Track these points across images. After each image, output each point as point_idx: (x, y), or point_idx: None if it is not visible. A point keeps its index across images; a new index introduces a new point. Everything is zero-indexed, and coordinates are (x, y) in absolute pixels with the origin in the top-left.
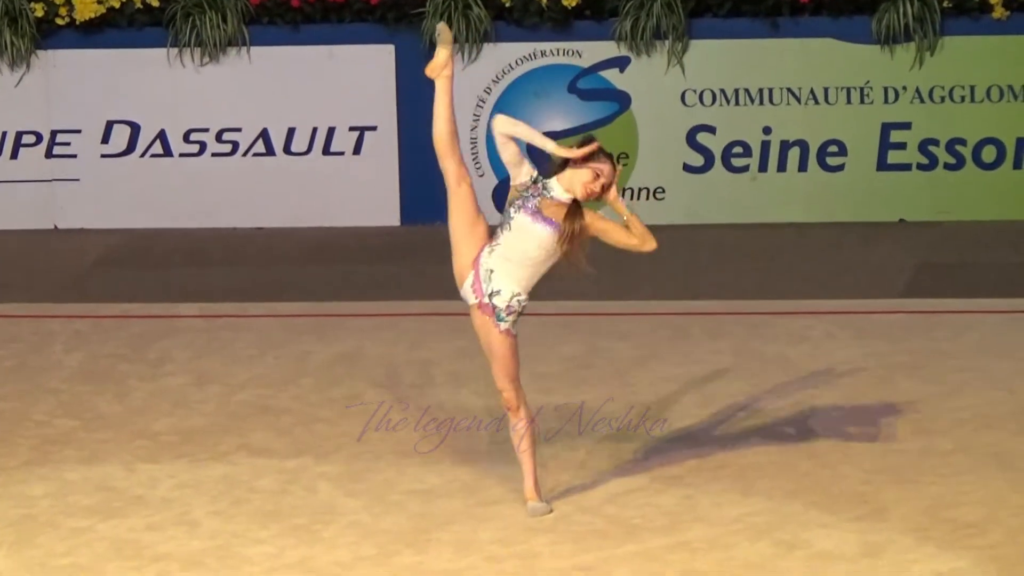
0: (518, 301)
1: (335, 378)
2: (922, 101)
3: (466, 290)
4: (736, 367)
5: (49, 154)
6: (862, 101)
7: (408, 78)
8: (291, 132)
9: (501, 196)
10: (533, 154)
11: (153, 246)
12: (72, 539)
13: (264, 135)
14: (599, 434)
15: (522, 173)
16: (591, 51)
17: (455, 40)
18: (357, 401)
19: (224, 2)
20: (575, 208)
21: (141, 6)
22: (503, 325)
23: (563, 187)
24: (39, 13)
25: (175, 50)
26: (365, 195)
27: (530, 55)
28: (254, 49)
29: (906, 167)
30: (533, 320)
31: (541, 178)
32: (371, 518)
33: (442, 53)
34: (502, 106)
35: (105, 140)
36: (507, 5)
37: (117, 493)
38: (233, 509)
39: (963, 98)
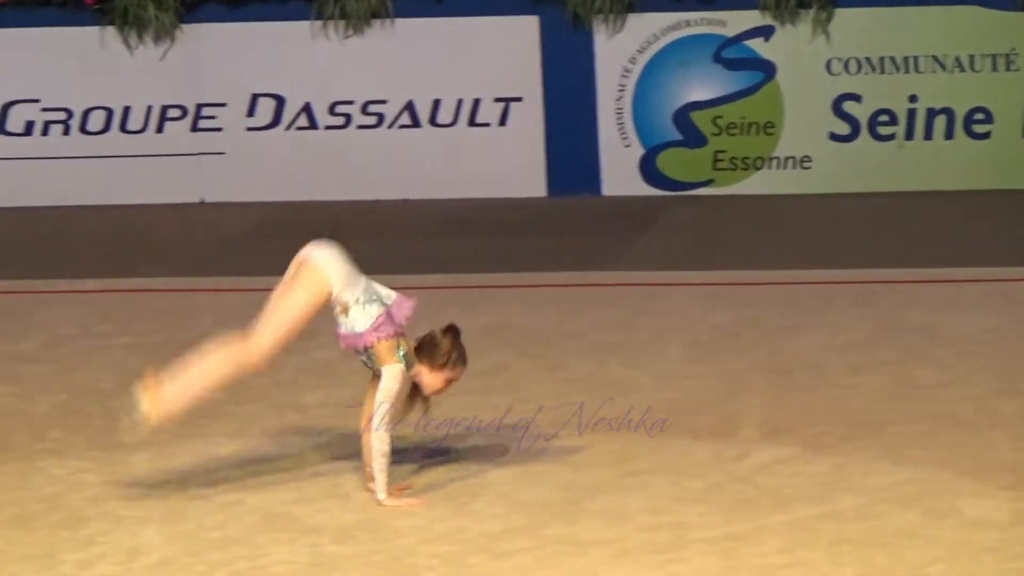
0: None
1: (481, 350)
2: None
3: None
4: (882, 336)
5: (195, 128)
6: (1007, 68)
7: (553, 49)
8: (436, 104)
9: (648, 166)
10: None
11: (298, 219)
12: (223, 512)
13: (409, 107)
14: (748, 403)
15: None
16: (736, 20)
17: (599, 11)
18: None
19: None
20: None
21: None
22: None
23: (413, 373)
24: None
25: (320, 23)
26: (511, 166)
27: (675, 25)
28: (398, 21)
29: None
30: (683, 290)
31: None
32: (520, 489)
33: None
34: (647, 77)
35: (250, 113)
36: None
37: (268, 465)
38: None
39: None
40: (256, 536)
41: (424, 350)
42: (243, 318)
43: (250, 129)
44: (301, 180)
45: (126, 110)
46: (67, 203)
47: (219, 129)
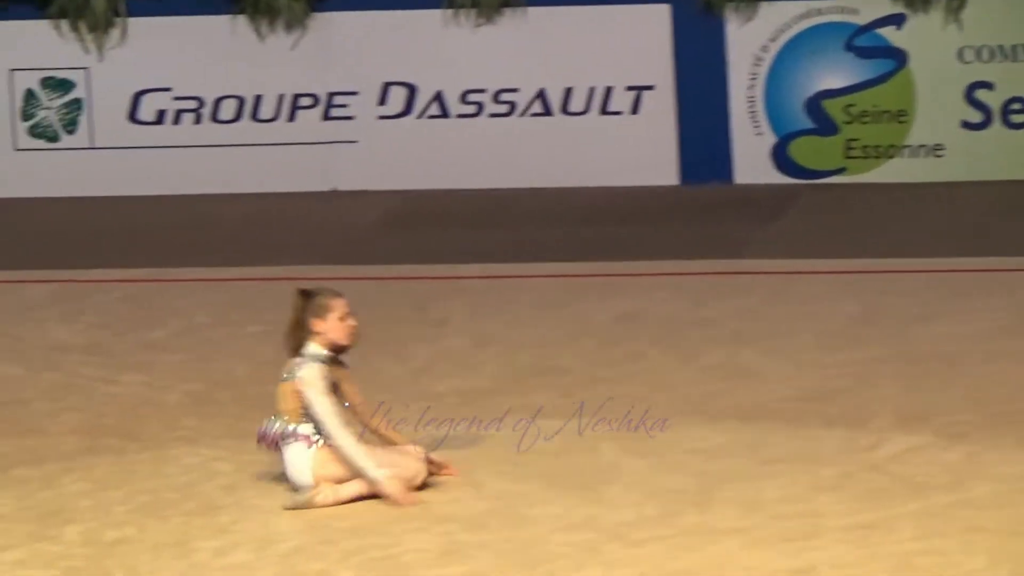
0: None
1: (616, 338)
2: None
3: None
4: (1016, 325)
5: (326, 116)
6: None
7: (685, 37)
8: (568, 92)
9: (780, 154)
10: None
11: (431, 207)
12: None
13: (541, 95)
14: (881, 392)
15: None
16: (868, 9)
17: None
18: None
19: None
20: None
21: None
22: None
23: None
24: None
25: (451, 11)
26: (643, 155)
27: (806, 13)
28: (530, 9)
29: None
30: (815, 279)
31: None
32: (653, 477)
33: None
34: (779, 65)
35: (382, 102)
36: None
37: None
38: (517, 471)
39: None
40: (389, 525)
41: (305, 324)
42: (374, 307)
43: (382, 117)
44: (432, 168)
45: (257, 99)
46: (198, 192)
47: (351, 117)
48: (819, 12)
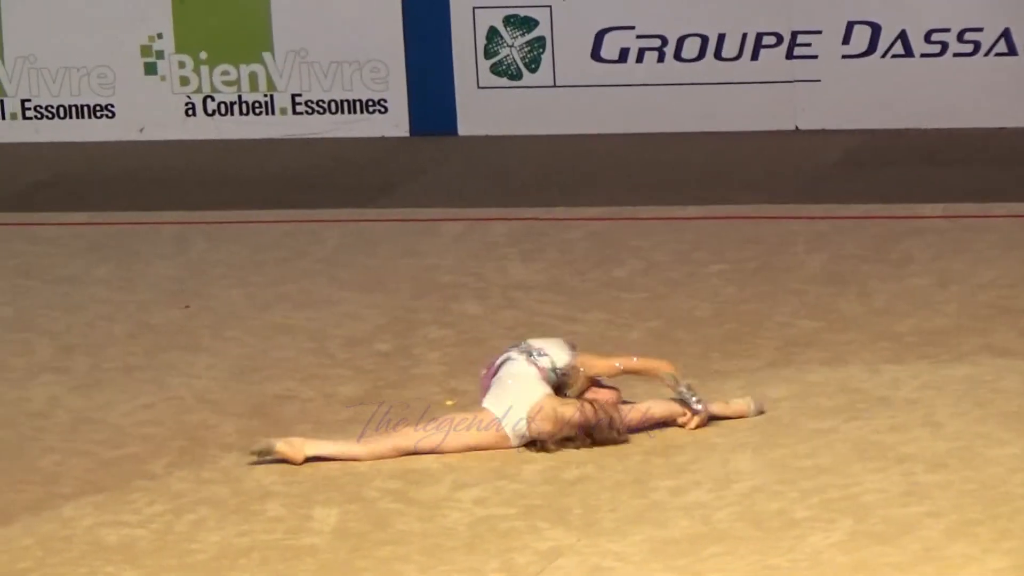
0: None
1: None
2: None
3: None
4: None
5: (790, 55)
6: None
7: None
8: None
9: None
10: None
11: (893, 146)
12: (814, 440)
13: (1005, 34)
14: None
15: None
16: None
17: None
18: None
19: None
20: None
21: None
22: None
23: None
24: None
25: None
26: None
27: None
28: None
29: None
30: None
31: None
32: None
33: None
34: None
35: (846, 41)
36: None
37: (860, 394)
38: (977, 410)
39: None
40: (848, 465)
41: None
42: (835, 245)
43: (845, 56)
44: (896, 107)
45: (720, 37)
46: (660, 130)
47: (814, 56)
48: None
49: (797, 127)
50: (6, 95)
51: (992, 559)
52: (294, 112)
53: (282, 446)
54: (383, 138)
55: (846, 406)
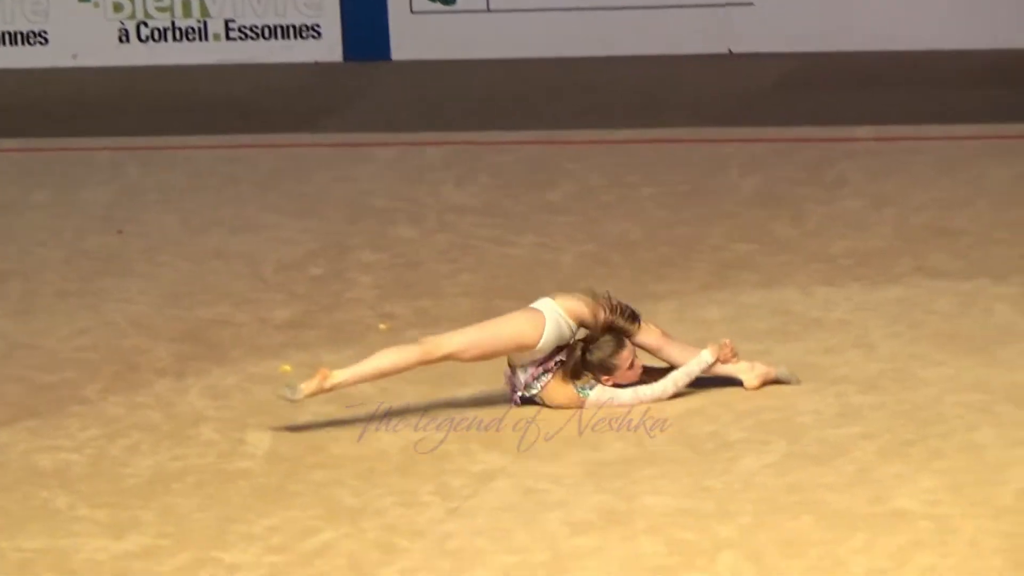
0: None
1: (1013, 199)
2: None
3: None
4: None
5: None
6: None
7: None
8: None
9: None
10: None
11: (827, 69)
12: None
13: None
14: None
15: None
16: None
17: None
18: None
19: None
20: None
21: None
22: None
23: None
24: None
25: None
26: None
27: None
28: None
29: None
30: None
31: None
32: None
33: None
34: None
35: None
36: None
37: (794, 316)
38: (910, 332)
39: None
40: (782, 387)
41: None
42: (769, 168)
43: None
44: (829, 31)
45: None
46: (594, 54)
47: None
48: None
49: (730, 51)
50: None
51: (924, 478)
52: (227, 38)
53: (307, 384)
54: (317, 63)
55: (780, 328)
